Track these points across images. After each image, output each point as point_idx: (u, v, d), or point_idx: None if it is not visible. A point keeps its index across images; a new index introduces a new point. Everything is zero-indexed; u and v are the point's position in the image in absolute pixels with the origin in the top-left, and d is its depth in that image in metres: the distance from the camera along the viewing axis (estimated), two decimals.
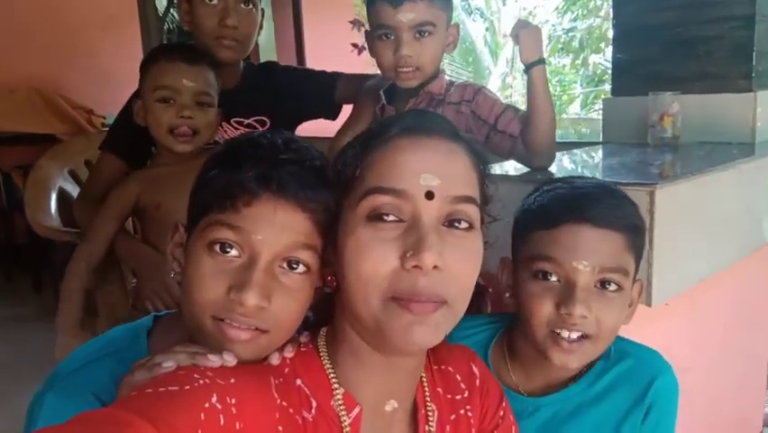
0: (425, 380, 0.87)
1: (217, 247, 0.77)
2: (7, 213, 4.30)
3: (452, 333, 0.77)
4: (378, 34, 1.42)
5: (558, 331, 0.98)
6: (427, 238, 0.70)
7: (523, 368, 1.09)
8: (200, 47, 1.66)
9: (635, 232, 1.00)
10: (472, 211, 0.76)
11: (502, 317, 1.17)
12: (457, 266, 0.73)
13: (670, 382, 1.06)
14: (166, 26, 6.37)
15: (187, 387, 0.64)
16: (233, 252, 0.77)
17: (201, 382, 0.65)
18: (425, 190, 0.72)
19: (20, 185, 4.05)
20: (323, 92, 1.82)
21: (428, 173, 0.73)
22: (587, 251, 0.96)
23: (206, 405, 0.63)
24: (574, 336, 0.98)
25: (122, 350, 0.90)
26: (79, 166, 2.48)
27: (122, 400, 0.63)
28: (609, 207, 0.98)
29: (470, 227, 0.75)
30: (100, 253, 1.54)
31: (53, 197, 2.31)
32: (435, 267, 0.70)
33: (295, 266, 0.78)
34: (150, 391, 0.63)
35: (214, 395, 0.64)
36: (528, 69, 1.36)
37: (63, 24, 4.57)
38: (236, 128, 1.74)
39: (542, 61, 1.35)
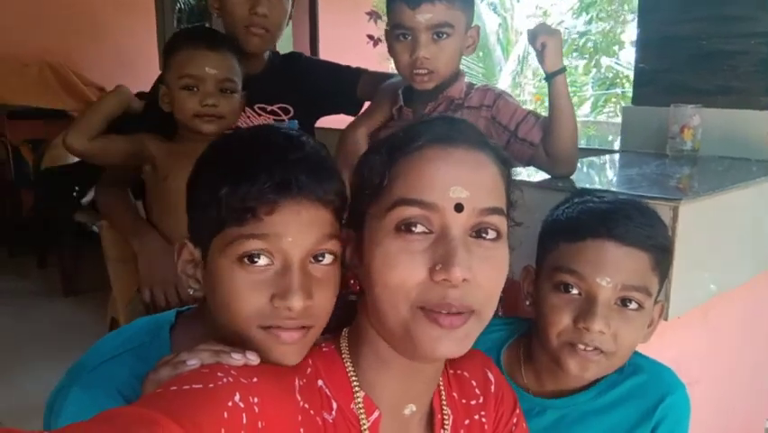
0: (441, 384, 0.88)
1: (246, 259, 0.77)
2: (14, 187, 4.29)
3: None
4: (395, 34, 1.42)
5: (575, 344, 0.98)
6: (457, 252, 0.70)
7: (536, 373, 1.10)
8: (228, 34, 1.66)
9: (662, 252, 1.00)
10: (500, 221, 0.76)
11: (519, 321, 1.17)
12: (485, 277, 0.73)
13: (681, 400, 1.06)
14: (177, 6, 6.36)
15: (211, 385, 0.64)
16: (263, 260, 0.77)
17: (225, 380, 0.66)
18: (455, 203, 0.72)
19: (29, 159, 4.05)
20: (346, 87, 1.82)
21: (457, 185, 0.73)
22: (611, 267, 0.96)
23: (230, 403, 0.64)
24: (591, 348, 0.98)
25: (144, 345, 0.90)
26: None
27: (147, 398, 0.64)
28: (638, 226, 0.97)
29: (498, 237, 0.75)
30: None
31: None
32: (464, 279, 0.71)
33: (321, 258, 0.79)
34: (174, 388, 0.63)
35: (237, 394, 0.65)
36: (551, 77, 1.34)
37: (78, 1, 4.55)
38: (259, 114, 1.75)
39: (564, 69, 1.35)
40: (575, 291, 0.98)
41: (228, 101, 1.53)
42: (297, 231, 0.77)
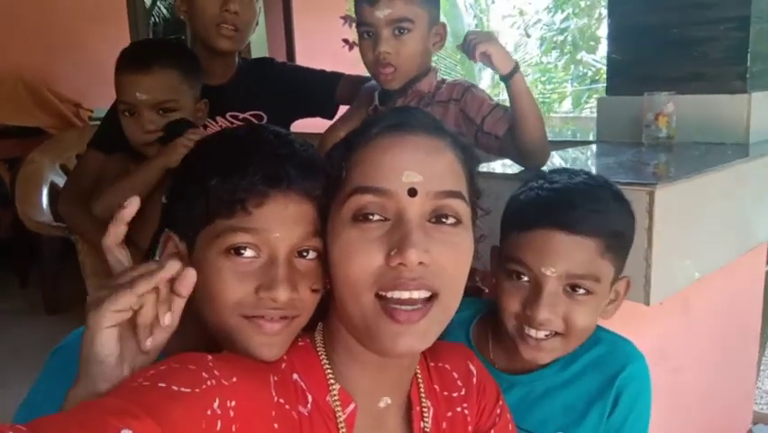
0: (419, 377, 0.88)
1: (233, 251, 0.78)
2: None
3: None
4: (360, 32, 1.44)
5: (525, 329, 1.00)
6: (411, 236, 0.70)
7: (504, 350, 1.12)
8: (197, 36, 1.65)
9: (614, 237, 1.00)
10: (459, 206, 0.75)
11: (486, 302, 1.19)
12: (444, 261, 0.73)
13: (640, 370, 1.07)
14: (152, 20, 6.34)
15: (197, 390, 0.64)
16: (249, 252, 0.78)
17: (209, 383, 0.65)
18: (408, 187, 0.72)
19: (5, 178, 4.00)
20: (323, 90, 1.82)
21: (410, 170, 0.73)
22: (556, 257, 0.97)
23: (208, 412, 0.64)
24: (541, 334, 1.00)
25: None
26: (71, 160, 2.46)
27: (131, 391, 0.62)
28: (585, 213, 0.97)
29: (458, 222, 0.75)
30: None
31: (44, 191, 2.29)
32: (421, 263, 0.70)
33: (306, 254, 0.80)
34: (163, 386, 0.62)
35: (217, 399, 0.65)
36: (508, 79, 1.32)
37: (51, 15, 4.51)
38: (232, 123, 1.73)
39: (518, 67, 1.34)
40: (525, 279, 1.00)
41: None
42: (284, 226, 0.78)
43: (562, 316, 0.99)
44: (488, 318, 1.15)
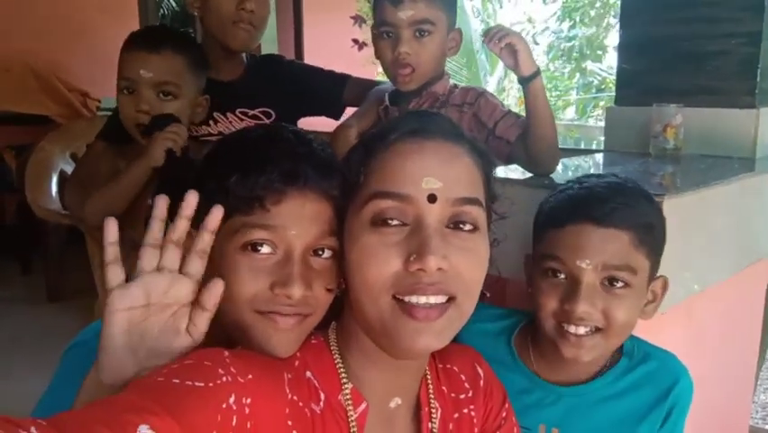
0: (429, 378, 0.89)
1: (249, 247, 0.79)
2: None
3: (475, 321, 0.79)
4: (380, 32, 1.45)
5: (565, 326, 1.01)
6: (431, 242, 0.71)
7: (545, 360, 1.12)
8: (209, 32, 1.65)
9: (645, 229, 1.01)
10: (476, 212, 0.76)
11: (522, 311, 1.20)
12: (462, 267, 0.74)
13: (689, 385, 1.11)
14: (161, 12, 6.35)
15: (211, 384, 0.65)
16: (266, 249, 0.79)
17: (224, 379, 0.66)
18: (428, 194, 0.73)
19: (11, 165, 4.01)
20: (331, 91, 1.83)
21: (430, 176, 0.74)
22: (589, 249, 0.98)
23: (224, 406, 0.65)
24: (581, 331, 1.00)
25: None
26: (80, 149, 2.47)
27: (146, 387, 0.63)
28: (615, 206, 0.99)
29: (475, 229, 0.76)
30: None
31: (54, 179, 2.30)
32: (440, 269, 0.71)
33: (321, 252, 0.81)
34: (177, 381, 0.63)
35: (233, 395, 0.66)
36: (528, 81, 1.32)
37: (61, 5, 4.53)
38: (241, 119, 1.74)
39: (539, 71, 1.34)
40: (561, 276, 1.01)
41: (167, 105, 1.45)
42: (301, 224, 0.79)
43: (601, 310, 0.99)
44: (527, 328, 1.16)
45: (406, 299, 0.72)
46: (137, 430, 0.54)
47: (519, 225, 1.08)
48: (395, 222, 0.74)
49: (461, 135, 0.81)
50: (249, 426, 0.67)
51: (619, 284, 1.00)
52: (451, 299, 0.73)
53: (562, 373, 1.10)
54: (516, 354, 1.13)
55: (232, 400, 0.65)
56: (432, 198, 0.73)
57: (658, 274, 1.07)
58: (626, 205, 1.00)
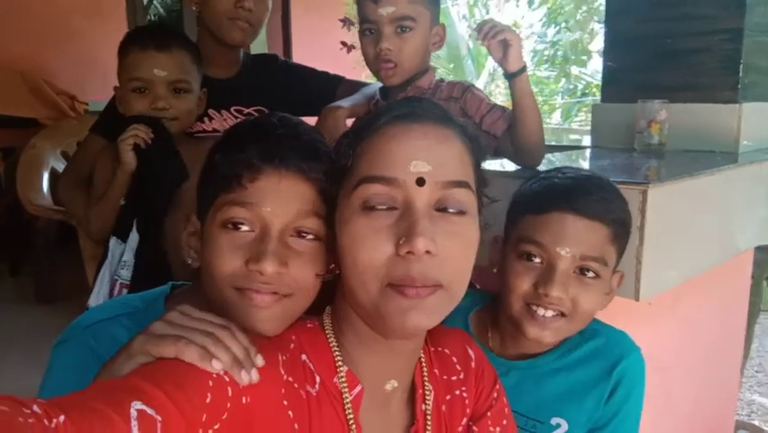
0: (423, 361, 0.90)
1: (230, 225, 0.81)
2: None
3: None
4: (363, 30, 1.47)
5: (534, 308, 1.04)
6: (419, 224, 0.71)
7: (501, 338, 1.15)
8: (207, 28, 1.67)
9: (620, 225, 1.06)
10: (465, 196, 0.76)
11: (484, 293, 1.23)
12: (450, 251, 0.74)
13: (636, 362, 1.12)
14: (148, 18, 6.35)
15: None
16: (246, 227, 0.81)
17: None
18: (416, 177, 0.73)
19: None
20: (323, 92, 1.84)
21: (418, 160, 0.74)
22: (571, 238, 1.02)
23: (214, 375, 0.66)
24: (549, 313, 1.04)
25: (138, 311, 0.94)
26: (72, 147, 2.48)
27: (142, 368, 0.66)
28: (598, 200, 1.03)
29: (464, 212, 0.76)
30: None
31: (45, 176, 2.29)
32: (428, 252, 0.71)
33: (305, 234, 0.82)
34: (173, 362, 0.66)
35: (223, 370, 0.67)
36: (515, 76, 1.34)
37: (50, 8, 4.51)
38: (236, 117, 1.75)
39: (525, 67, 1.36)
40: (537, 260, 1.05)
41: (181, 101, 1.50)
42: (277, 201, 0.80)
43: (570, 297, 1.03)
44: (487, 308, 1.19)
45: (399, 286, 0.72)
46: (131, 405, 0.57)
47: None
48: (384, 206, 0.74)
49: (451, 119, 0.81)
50: (245, 401, 0.68)
51: (590, 274, 1.04)
52: (440, 285, 0.74)
53: (512, 349, 1.14)
54: (472, 333, 1.16)
55: (223, 372, 0.67)
56: (420, 182, 0.73)
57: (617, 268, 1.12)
58: (607, 199, 1.05)
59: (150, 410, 0.58)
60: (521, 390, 1.10)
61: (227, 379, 0.67)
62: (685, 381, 1.79)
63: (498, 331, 1.16)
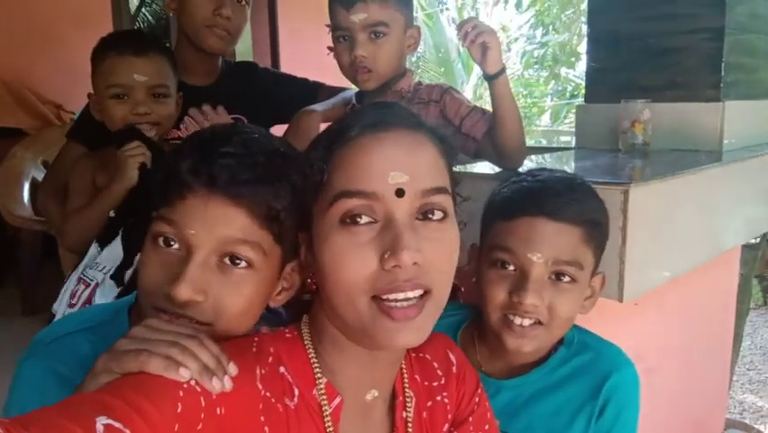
0: (404, 368, 0.88)
1: (161, 240, 0.79)
2: None
3: None
4: (336, 36, 1.46)
5: (511, 317, 1.02)
6: (403, 237, 0.70)
7: (489, 352, 1.13)
8: (185, 34, 1.65)
9: (594, 226, 1.03)
10: (445, 200, 0.75)
11: (471, 307, 1.20)
12: (436, 257, 0.73)
13: (626, 378, 1.08)
14: (137, 25, 6.33)
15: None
16: (175, 245, 0.78)
17: None
18: (395, 189, 0.72)
19: None
20: (304, 99, 1.83)
21: (396, 171, 0.72)
22: (542, 243, 0.99)
23: (185, 385, 0.65)
24: (526, 322, 1.01)
25: (103, 324, 0.91)
26: (53, 156, 2.45)
27: (109, 384, 0.64)
28: (567, 201, 1.01)
29: (444, 217, 0.75)
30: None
31: (26, 186, 2.27)
32: (415, 263, 0.70)
33: (237, 261, 0.79)
34: (131, 375, 0.65)
35: (193, 379, 0.66)
36: (494, 78, 1.33)
37: (34, 18, 4.49)
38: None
39: (504, 69, 1.35)
40: (510, 267, 1.02)
41: (162, 106, 1.47)
42: (202, 225, 0.77)
43: (546, 304, 1.00)
44: (474, 324, 1.17)
45: (384, 297, 0.71)
46: (96, 421, 0.55)
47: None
48: (364, 219, 0.72)
49: (421, 124, 0.79)
50: (220, 411, 0.66)
51: (566, 279, 1.01)
52: (427, 292, 0.73)
53: (503, 366, 1.11)
54: (460, 347, 1.13)
55: (193, 382, 0.65)
56: (400, 193, 0.72)
57: (599, 270, 1.10)
58: (578, 200, 1.02)
59: (117, 424, 0.56)
60: (512, 410, 1.07)
61: (198, 389, 0.65)
62: (673, 380, 1.79)
63: (484, 344, 1.14)
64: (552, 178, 1.06)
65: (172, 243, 0.78)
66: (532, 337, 1.02)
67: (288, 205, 0.79)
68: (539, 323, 1.02)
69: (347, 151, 0.75)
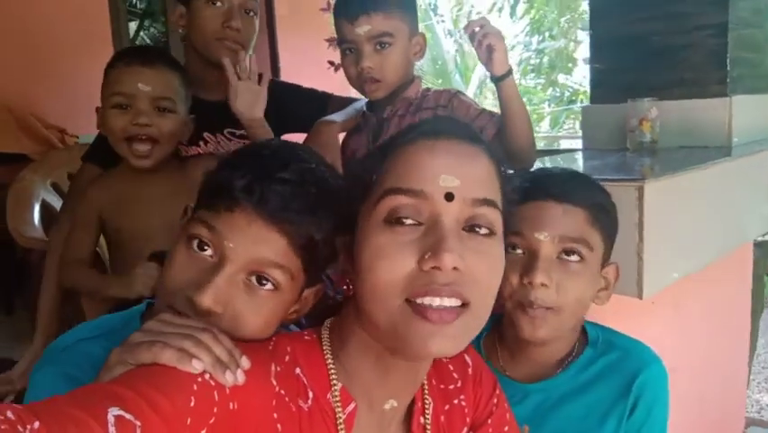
0: (424, 380, 0.86)
1: (195, 243, 0.78)
2: None
3: None
4: (342, 50, 1.47)
5: (524, 304, 1.02)
6: (447, 240, 0.68)
7: (511, 354, 1.13)
8: (195, 49, 1.65)
9: (599, 209, 1.05)
10: (493, 215, 0.74)
11: (493, 314, 1.19)
12: (478, 270, 0.71)
13: (656, 375, 1.07)
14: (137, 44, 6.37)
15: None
16: (209, 251, 0.78)
17: None
18: (445, 192, 0.71)
19: None
20: (314, 109, 1.83)
21: (447, 174, 0.71)
22: (548, 222, 1.02)
23: (199, 379, 0.64)
24: (539, 309, 1.02)
25: (115, 331, 0.91)
26: (62, 179, 2.45)
27: (123, 375, 0.64)
28: (573, 185, 1.05)
29: (492, 233, 0.73)
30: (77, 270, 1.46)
31: (36, 208, 2.27)
32: (455, 268, 0.68)
33: (264, 282, 0.78)
34: (152, 366, 0.65)
35: (208, 373, 0.65)
36: (501, 80, 1.33)
37: (36, 44, 4.52)
38: (230, 139, 1.73)
39: (511, 71, 1.35)
40: (519, 251, 1.04)
41: (164, 121, 1.40)
42: (242, 241, 0.77)
43: (555, 283, 1.01)
44: (495, 330, 1.16)
45: (419, 300, 0.69)
46: (108, 411, 0.55)
47: None
48: (409, 221, 0.71)
49: (478, 138, 0.78)
50: (233, 406, 0.66)
51: (574, 257, 1.02)
52: (465, 305, 0.70)
53: (527, 370, 1.11)
54: (484, 355, 1.13)
55: (207, 376, 0.65)
56: (449, 197, 0.70)
57: (611, 261, 1.10)
58: (583, 186, 1.07)
59: (128, 415, 0.56)
60: (540, 414, 1.06)
61: (213, 383, 0.65)
62: (692, 379, 1.77)
63: (506, 348, 1.13)
64: (557, 168, 1.13)
65: (206, 248, 0.78)
66: (544, 321, 1.02)
67: (325, 236, 0.80)
68: (549, 309, 1.02)
69: (400, 152, 0.75)
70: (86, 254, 1.47)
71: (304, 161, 0.82)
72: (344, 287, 0.81)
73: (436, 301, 0.68)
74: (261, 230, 0.76)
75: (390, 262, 0.70)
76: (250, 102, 1.51)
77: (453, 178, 0.71)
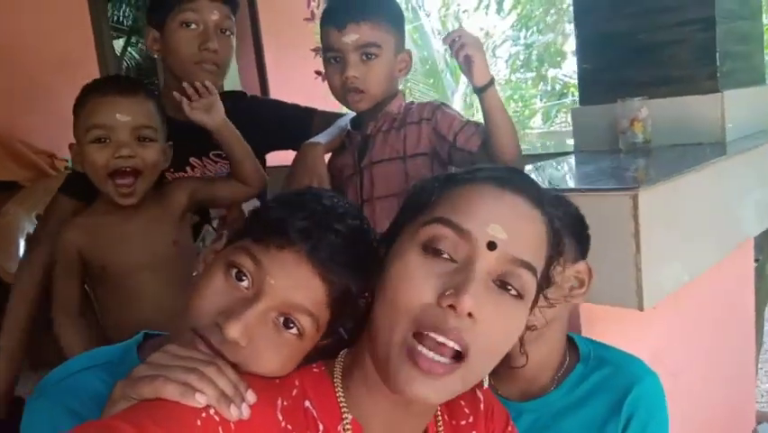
0: (438, 412, 0.85)
1: (234, 272, 0.77)
2: None
3: None
4: (327, 58, 1.45)
5: None
6: (473, 283, 0.68)
7: (499, 376, 1.08)
8: (173, 73, 1.62)
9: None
10: (528, 279, 0.72)
11: None
12: (492, 325, 0.70)
13: (650, 390, 1.04)
14: (125, 64, 6.34)
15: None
16: (245, 283, 0.77)
17: None
18: (489, 239, 0.70)
19: None
20: (299, 125, 1.80)
21: (498, 224, 0.71)
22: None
23: (203, 414, 0.63)
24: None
25: (113, 363, 0.90)
26: None
27: (122, 411, 0.63)
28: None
29: (520, 296, 0.72)
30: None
31: (21, 242, 2.25)
32: (470, 315, 0.68)
33: (291, 326, 0.77)
34: (148, 401, 0.64)
35: (212, 408, 0.64)
36: (482, 91, 1.31)
37: (18, 67, 4.47)
38: (216, 161, 1.70)
39: (493, 81, 1.33)
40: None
41: (147, 151, 1.36)
42: (284, 281, 0.76)
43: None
44: None
45: (426, 332, 0.68)
46: None
47: None
48: (446, 255, 0.71)
49: (543, 203, 0.77)
50: None
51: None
52: (461, 357, 0.69)
53: (519, 387, 1.08)
54: None
55: (212, 411, 0.64)
56: (492, 246, 0.70)
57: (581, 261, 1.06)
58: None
59: None
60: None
61: (217, 418, 0.64)
62: (698, 380, 1.74)
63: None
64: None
65: (244, 279, 0.77)
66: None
67: (358, 293, 0.80)
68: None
69: (463, 187, 0.76)
70: (77, 301, 1.43)
71: (357, 218, 0.83)
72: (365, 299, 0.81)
73: (440, 338, 0.68)
74: (307, 274, 0.76)
75: (413, 287, 0.70)
76: (205, 107, 1.49)
77: (503, 230, 0.71)
